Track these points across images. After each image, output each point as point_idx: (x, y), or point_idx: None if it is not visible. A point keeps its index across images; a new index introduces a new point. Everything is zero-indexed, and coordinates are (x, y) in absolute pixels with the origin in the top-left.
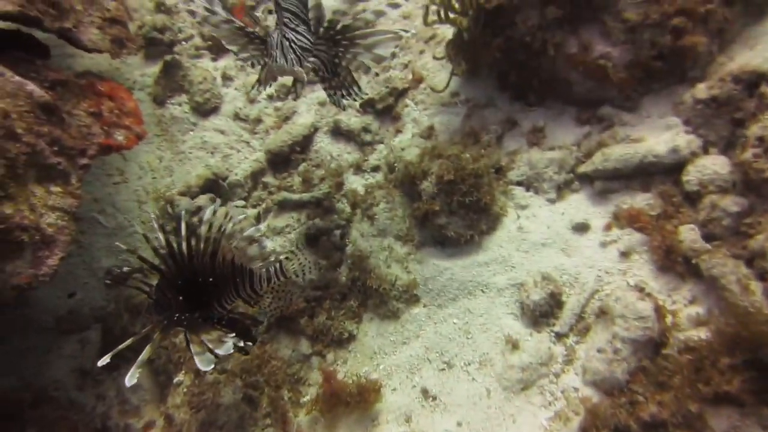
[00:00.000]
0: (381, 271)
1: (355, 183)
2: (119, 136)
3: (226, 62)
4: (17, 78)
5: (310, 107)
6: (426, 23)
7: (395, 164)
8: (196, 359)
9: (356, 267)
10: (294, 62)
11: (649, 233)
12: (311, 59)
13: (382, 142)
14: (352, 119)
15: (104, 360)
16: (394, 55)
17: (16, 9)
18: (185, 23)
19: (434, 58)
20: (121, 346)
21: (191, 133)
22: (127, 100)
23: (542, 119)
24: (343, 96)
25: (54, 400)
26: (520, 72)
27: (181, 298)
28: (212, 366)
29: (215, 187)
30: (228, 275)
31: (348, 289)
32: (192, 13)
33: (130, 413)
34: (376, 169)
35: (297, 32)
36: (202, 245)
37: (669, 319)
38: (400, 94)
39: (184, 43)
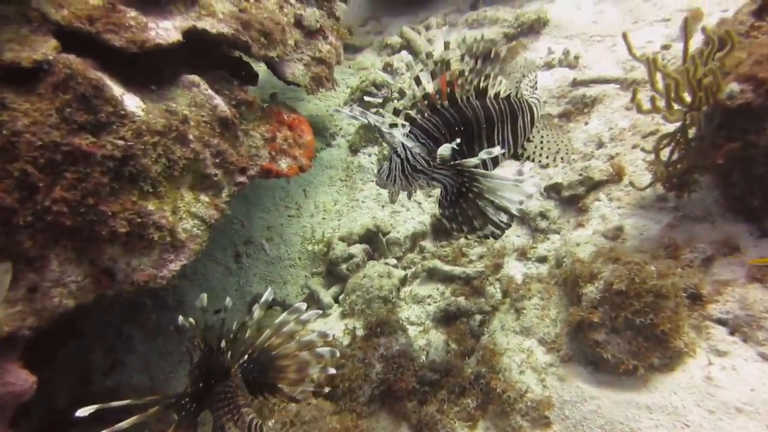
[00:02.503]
0: (511, 375)
1: (515, 269)
2: (283, 164)
3: None
4: (209, 91)
5: None
6: (640, 111)
7: (564, 259)
8: None
9: (485, 362)
10: (397, 179)
11: None
12: (432, 182)
13: (557, 233)
14: (531, 201)
15: (85, 411)
16: (520, 213)
17: (230, 32)
18: (403, 84)
19: (643, 150)
20: (114, 403)
21: (371, 183)
22: (306, 133)
23: None
24: (452, 229)
25: None
26: (757, 188)
27: (201, 384)
28: None
29: (374, 239)
30: (221, 392)
31: (470, 384)
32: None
33: None
34: (542, 259)
35: (416, 151)
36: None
37: None
38: (594, 185)
39: (394, 101)
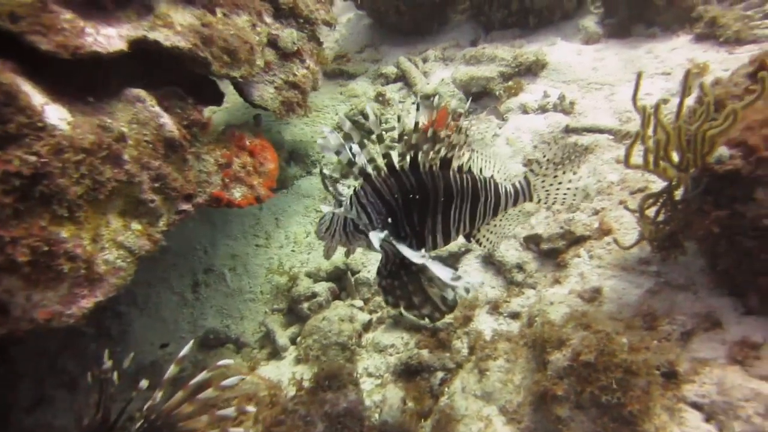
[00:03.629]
0: None
1: (485, 324)
2: (236, 192)
3: None
4: (155, 108)
5: None
6: (628, 164)
7: (536, 318)
8: None
9: (440, 428)
10: (336, 234)
11: None
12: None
13: (534, 288)
14: (509, 251)
15: None
16: (453, 302)
17: (187, 46)
18: (393, 116)
19: (626, 208)
20: None
21: None
22: (270, 161)
23: (763, 333)
24: (387, 302)
25: None
26: (742, 261)
27: None
28: None
29: (342, 278)
30: None
31: None
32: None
33: None
34: (514, 315)
35: (364, 211)
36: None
37: None
38: (576, 240)
39: (386, 133)
